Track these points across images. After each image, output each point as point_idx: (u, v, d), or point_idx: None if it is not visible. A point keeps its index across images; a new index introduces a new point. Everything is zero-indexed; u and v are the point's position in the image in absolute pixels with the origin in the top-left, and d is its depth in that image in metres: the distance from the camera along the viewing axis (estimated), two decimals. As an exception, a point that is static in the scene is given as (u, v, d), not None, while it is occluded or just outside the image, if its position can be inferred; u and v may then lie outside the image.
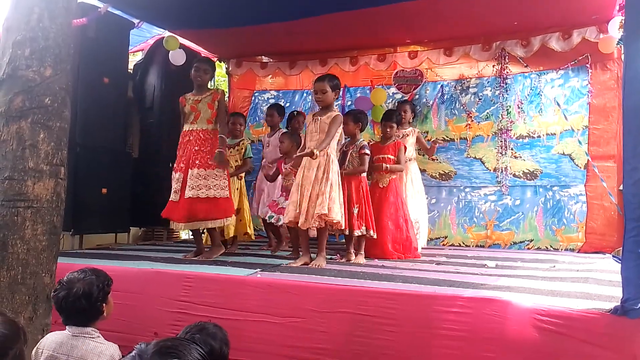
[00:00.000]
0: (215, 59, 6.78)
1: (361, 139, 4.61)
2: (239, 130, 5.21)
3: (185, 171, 4.22)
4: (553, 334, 2.43)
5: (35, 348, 2.01)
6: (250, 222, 5.21)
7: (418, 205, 5.34)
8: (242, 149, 5.08)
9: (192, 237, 5.14)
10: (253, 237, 5.33)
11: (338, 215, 3.97)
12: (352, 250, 4.44)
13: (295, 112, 5.85)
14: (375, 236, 4.49)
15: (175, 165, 4.35)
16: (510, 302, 2.59)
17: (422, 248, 5.18)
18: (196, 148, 4.24)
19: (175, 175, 4.30)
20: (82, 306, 1.98)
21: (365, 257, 4.43)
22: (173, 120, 4.56)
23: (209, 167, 4.21)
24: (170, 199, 4.31)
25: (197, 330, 1.92)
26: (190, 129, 4.32)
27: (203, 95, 4.32)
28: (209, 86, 4.59)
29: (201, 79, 4.36)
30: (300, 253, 4.16)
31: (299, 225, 3.97)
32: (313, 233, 4.21)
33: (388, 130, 4.93)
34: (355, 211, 4.39)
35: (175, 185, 4.28)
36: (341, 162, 4.44)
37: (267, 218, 4.89)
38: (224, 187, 4.28)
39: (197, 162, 4.20)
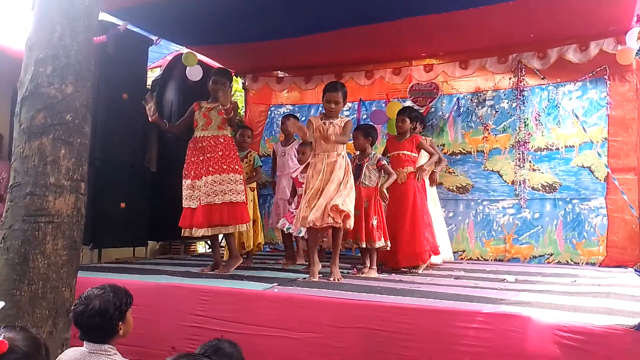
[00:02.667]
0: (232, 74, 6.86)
1: (374, 152, 4.61)
2: (247, 142, 5.26)
3: (198, 178, 4.24)
4: (575, 350, 2.39)
5: (53, 364, 2.02)
6: (261, 234, 5.21)
7: (435, 216, 5.29)
8: (250, 160, 5.11)
9: (209, 250, 5.18)
10: (262, 247, 5.32)
11: (351, 211, 3.96)
12: (368, 264, 4.42)
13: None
14: (389, 247, 4.47)
15: (186, 172, 4.35)
16: (530, 317, 2.55)
17: (444, 262, 5.13)
18: (209, 155, 4.27)
19: (187, 182, 4.30)
20: (97, 323, 1.96)
21: (384, 266, 4.41)
22: (190, 134, 4.60)
23: (223, 172, 4.23)
24: (185, 207, 4.30)
25: (212, 352, 1.91)
26: (202, 135, 4.34)
27: (216, 104, 4.35)
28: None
29: (221, 91, 4.37)
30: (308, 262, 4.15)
31: (314, 223, 3.91)
32: (328, 245, 4.20)
33: (400, 124, 4.95)
34: (375, 223, 4.39)
35: (187, 192, 4.28)
36: (356, 176, 4.45)
37: (285, 230, 4.88)
38: (240, 191, 4.29)
39: (210, 168, 4.23)
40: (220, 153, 4.28)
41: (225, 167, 4.25)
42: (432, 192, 5.38)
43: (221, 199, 4.20)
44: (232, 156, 4.35)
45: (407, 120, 4.94)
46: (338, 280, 3.90)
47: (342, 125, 4.07)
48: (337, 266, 4.04)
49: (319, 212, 3.88)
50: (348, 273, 4.40)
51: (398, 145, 4.91)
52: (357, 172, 4.50)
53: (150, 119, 4.38)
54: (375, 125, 6.29)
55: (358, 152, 4.63)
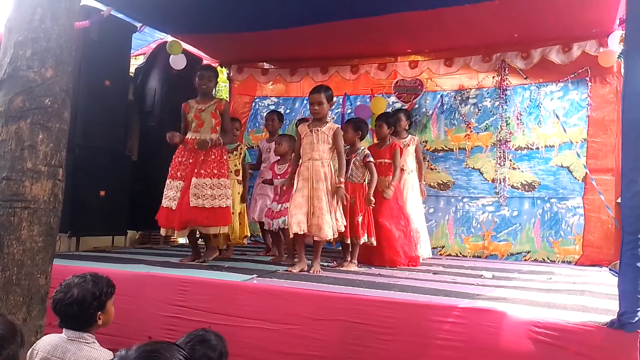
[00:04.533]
0: (216, 65, 6.81)
1: (362, 147, 4.61)
2: (235, 135, 5.22)
3: (188, 179, 4.18)
4: (548, 346, 2.43)
5: (31, 350, 2.00)
6: (247, 227, 5.21)
7: (417, 215, 5.34)
8: (240, 154, 5.09)
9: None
10: (245, 241, 5.32)
11: (342, 227, 4.13)
12: (349, 258, 4.44)
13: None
14: (375, 243, 4.50)
15: (172, 172, 4.29)
16: (505, 313, 2.58)
17: (424, 259, 5.18)
18: (202, 158, 4.21)
19: (175, 183, 4.23)
20: (74, 312, 1.95)
21: (370, 265, 4.48)
22: (173, 124, 4.54)
23: (214, 176, 4.20)
24: (164, 206, 4.24)
25: (198, 341, 1.89)
26: (194, 137, 4.27)
27: (207, 104, 4.31)
28: (213, 94, 4.57)
29: (206, 86, 4.35)
30: (296, 259, 4.16)
31: (306, 233, 3.96)
32: (309, 240, 4.21)
33: (378, 129, 4.95)
34: (360, 219, 4.41)
35: (172, 193, 4.22)
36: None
37: (273, 229, 4.78)
38: (228, 196, 4.28)
39: (202, 171, 4.18)
40: (212, 157, 4.24)
41: (216, 171, 4.21)
42: (417, 194, 5.41)
43: (210, 203, 4.15)
44: (223, 161, 4.32)
45: (385, 125, 4.93)
46: (317, 272, 3.92)
47: (331, 135, 4.06)
48: (318, 260, 4.07)
49: (311, 224, 3.92)
50: (328, 266, 4.41)
51: (379, 153, 4.86)
52: (345, 167, 4.51)
53: (175, 140, 4.28)
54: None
55: (348, 147, 4.60)
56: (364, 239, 4.41)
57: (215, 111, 4.30)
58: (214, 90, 4.64)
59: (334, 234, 4.01)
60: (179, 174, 4.24)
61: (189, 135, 4.33)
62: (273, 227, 4.73)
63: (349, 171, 4.49)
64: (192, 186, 4.15)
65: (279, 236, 4.87)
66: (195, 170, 4.19)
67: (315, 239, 4.03)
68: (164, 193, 4.29)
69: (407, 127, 5.54)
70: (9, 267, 2.31)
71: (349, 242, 4.39)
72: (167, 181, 4.31)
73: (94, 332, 2.02)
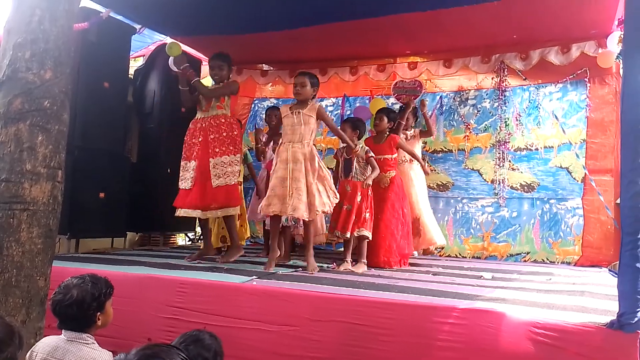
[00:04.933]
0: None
1: (361, 145, 4.62)
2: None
3: (204, 159, 4.19)
4: (548, 346, 2.43)
5: (30, 351, 2.00)
6: (248, 228, 5.20)
7: (424, 206, 5.35)
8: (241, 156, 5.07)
9: (189, 243, 5.14)
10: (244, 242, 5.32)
11: (326, 207, 4.08)
12: (349, 259, 4.43)
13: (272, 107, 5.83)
14: (370, 237, 4.50)
15: (185, 153, 4.31)
16: (505, 314, 2.58)
17: (437, 248, 5.29)
18: (212, 136, 4.23)
19: (190, 164, 4.23)
20: (74, 313, 1.95)
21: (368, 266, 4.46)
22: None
23: (227, 153, 4.22)
24: (181, 188, 4.25)
25: (192, 341, 1.90)
26: (203, 116, 4.32)
27: (218, 86, 4.38)
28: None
29: (218, 76, 4.38)
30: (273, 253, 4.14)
31: (279, 213, 3.99)
32: (300, 239, 4.24)
33: (377, 122, 4.95)
34: (367, 216, 4.45)
35: (188, 174, 4.22)
36: (347, 170, 4.48)
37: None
38: (237, 173, 4.30)
39: (217, 150, 4.20)
40: (224, 134, 4.25)
41: (232, 148, 4.24)
42: (422, 184, 5.43)
43: (232, 180, 4.20)
44: (235, 136, 4.31)
45: (385, 118, 4.94)
46: (314, 271, 3.94)
47: (314, 114, 4.08)
48: (311, 257, 4.09)
49: (286, 205, 3.91)
50: (328, 267, 4.41)
51: (378, 148, 4.84)
52: (348, 167, 4.53)
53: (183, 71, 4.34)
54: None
55: (344, 145, 4.58)
56: (367, 233, 4.42)
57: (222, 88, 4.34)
58: (229, 77, 4.56)
59: (311, 215, 3.97)
60: (193, 154, 4.24)
61: (198, 115, 4.36)
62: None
63: (353, 170, 4.50)
64: (212, 167, 4.16)
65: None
66: (210, 150, 4.20)
67: (300, 222, 4.01)
68: (180, 175, 4.30)
69: (413, 124, 5.61)
70: (8, 269, 2.31)
71: (347, 236, 4.38)
72: (182, 163, 4.32)
73: (93, 333, 2.02)
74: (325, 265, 4.45)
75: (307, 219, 4.01)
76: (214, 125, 4.26)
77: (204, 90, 4.33)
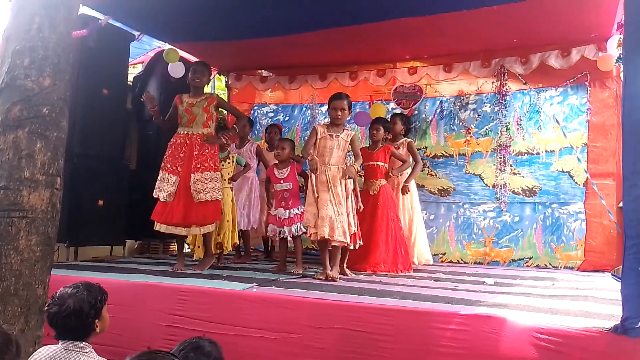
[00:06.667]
0: (215, 72, 6.81)
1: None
2: (228, 144, 5.17)
3: (185, 175, 4.21)
4: (552, 352, 2.40)
5: (28, 360, 1.98)
6: (236, 234, 5.16)
7: (416, 220, 5.33)
8: (232, 161, 5.06)
9: (188, 250, 5.12)
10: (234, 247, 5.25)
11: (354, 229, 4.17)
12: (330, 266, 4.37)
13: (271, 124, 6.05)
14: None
15: (166, 165, 4.31)
16: (507, 319, 2.56)
17: (425, 265, 5.19)
18: (196, 153, 4.27)
19: (172, 178, 4.24)
20: (73, 323, 1.93)
21: (357, 271, 4.45)
22: (171, 133, 4.53)
23: (208, 169, 4.26)
24: (160, 201, 4.25)
25: (191, 349, 1.89)
26: (186, 132, 4.35)
27: (198, 99, 4.37)
28: (205, 90, 4.61)
29: (199, 80, 4.42)
30: (321, 268, 4.15)
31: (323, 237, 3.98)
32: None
33: (374, 132, 5.00)
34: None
35: (167, 187, 4.23)
36: None
37: (285, 236, 4.63)
38: (220, 189, 4.35)
39: (199, 165, 4.24)
40: (207, 151, 4.31)
41: (213, 165, 4.30)
42: (414, 196, 5.41)
43: (211, 196, 4.23)
44: (216, 154, 4.41)
45: (381, 129, 4.99)
46: (337, 278, 3.94)
47: (349, 141, 4.17)
48: (338, 265, 4.11)
49: (332, 229, 3.96)
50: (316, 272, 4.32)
51: (371, 155, 4.90)
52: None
53: (150, 108, 4.47)
54: (360, 127, 6.33)
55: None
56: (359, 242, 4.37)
57: (207, 106, 4.36)
58: (206, 86, 4.69)
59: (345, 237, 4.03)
60: (177, 169, 4.25)
61: (180, 130, 4.39)
62: (285, 235, 4.60)
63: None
64: (192, 182, 4.19)
65: (286, 244, 4.76)
66: (192, 166, 4.23)
67: (335, 244, 4.03)
68: (157, 185, 4.30)
69: (402, 132, 5.55)
70: (7, 277, 2.30)
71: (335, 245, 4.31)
72: (162, 173, 4.31)
73: (91, 341, 2.00)
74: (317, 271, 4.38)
75: (347, 244, 4.07)
76: (198, 143, 4.31)
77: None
